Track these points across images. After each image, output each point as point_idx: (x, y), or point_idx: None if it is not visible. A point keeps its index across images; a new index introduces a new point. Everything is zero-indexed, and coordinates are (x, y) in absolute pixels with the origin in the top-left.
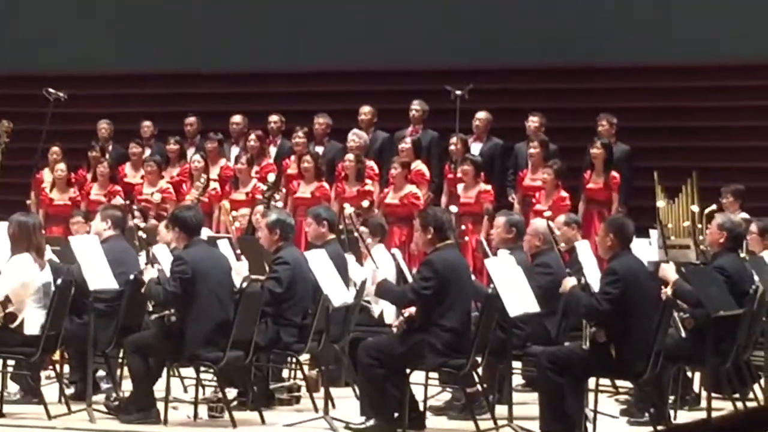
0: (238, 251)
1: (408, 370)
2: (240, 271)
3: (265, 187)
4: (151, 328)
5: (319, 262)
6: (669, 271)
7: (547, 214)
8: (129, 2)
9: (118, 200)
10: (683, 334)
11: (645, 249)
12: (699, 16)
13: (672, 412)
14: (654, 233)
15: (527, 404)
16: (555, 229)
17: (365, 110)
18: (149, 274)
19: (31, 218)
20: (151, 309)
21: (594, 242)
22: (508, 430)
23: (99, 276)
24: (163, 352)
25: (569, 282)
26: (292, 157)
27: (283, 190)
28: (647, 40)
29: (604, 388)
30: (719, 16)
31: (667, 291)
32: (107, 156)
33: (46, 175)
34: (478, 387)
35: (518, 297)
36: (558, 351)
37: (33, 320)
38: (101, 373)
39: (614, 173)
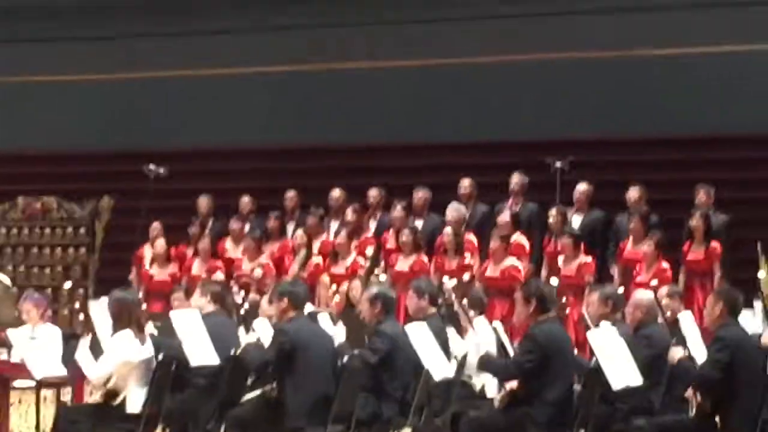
0: (339, 324)
1: None
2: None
3: (364, 262)
4: (250, 402)
5: (420, 336)
6: None
7: (654, 283)
8: (229, 78)
9: (219, 275)
10: None
11: (749, 320)
12: None
13: None
14: (758, 304)
15: None
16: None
17: (465, 183)
18: (247, 338)
19: (130, 294)
20: (250, 384)
21: (696, 313)
22: None
23: (200, 351)
24: (264, 427)
25: (677, 352)
26: (391, 231)
27: (382, 264)
28: (747, 109)
29: None
30: None
31: None
32: (207, 231)
33: (147, 251)
34: None
35: (621, 370)
36: (663, 422)
37: (134, 397)
38: None
39: (714, 243)
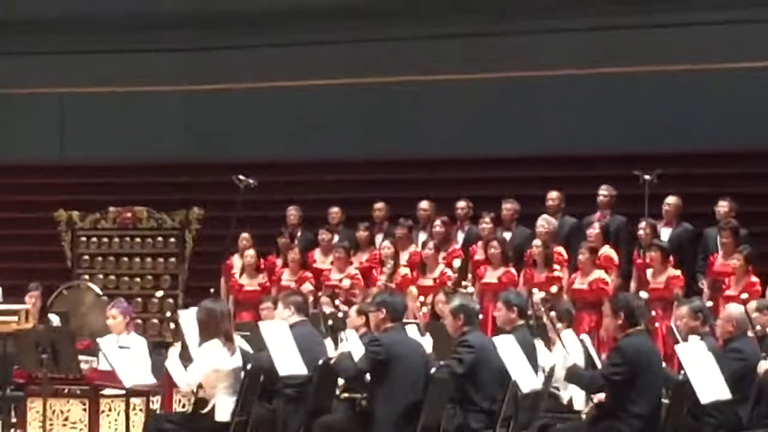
0: (426, 336)
1: None
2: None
3: (451, 273)
4: (339, 411)
5: (508, 348)
6: None
7: (744, 296)
8: (318, 89)
9: (308, 286)
10: None
11: None
12: None
13: None
14: None
15: None
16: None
17: (553, 196)
18: (342, 348)
19: (219, 305)
20: (340, 392)
21: None
22: None
23: (288, 361)
24: None
25: (765, 367)
26: (479, 243)
27: (470, 276)
28: None
29: None
30: None
31: None
32: (296, 242)
33: (236, 262)
34: None
35: (710, 384)
36: None
37: (223, 406)
38: None
39: None
